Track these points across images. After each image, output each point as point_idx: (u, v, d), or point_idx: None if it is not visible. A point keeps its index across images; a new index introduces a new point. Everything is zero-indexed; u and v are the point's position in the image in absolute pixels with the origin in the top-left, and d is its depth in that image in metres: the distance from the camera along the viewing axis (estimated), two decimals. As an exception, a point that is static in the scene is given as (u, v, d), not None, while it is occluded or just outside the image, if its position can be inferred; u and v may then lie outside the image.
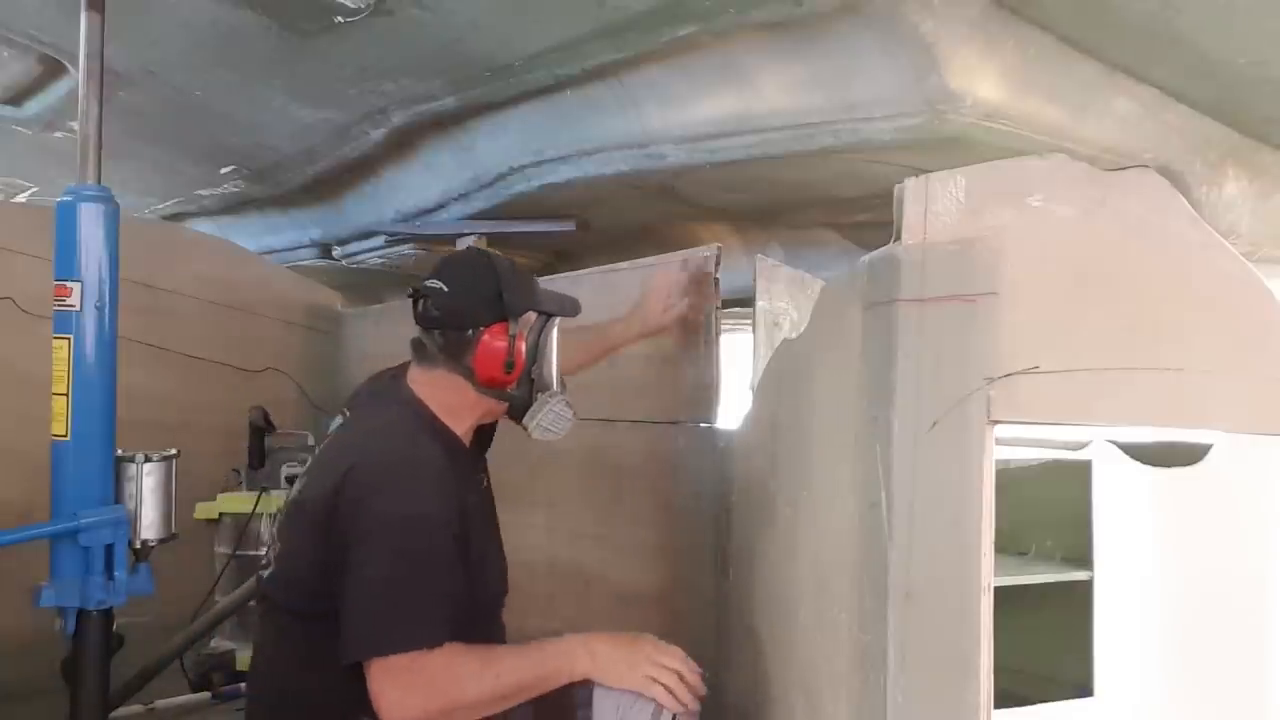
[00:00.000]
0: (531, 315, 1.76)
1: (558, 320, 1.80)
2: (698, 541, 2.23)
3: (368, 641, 1.50)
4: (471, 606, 1.65)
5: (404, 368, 1.81)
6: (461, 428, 1.77)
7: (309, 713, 1.64)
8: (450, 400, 1.74)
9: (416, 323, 1.77)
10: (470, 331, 1.71)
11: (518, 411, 1.77)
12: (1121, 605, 2.15)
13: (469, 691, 1.51)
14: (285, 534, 1.71)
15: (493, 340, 1.71)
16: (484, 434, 1.91)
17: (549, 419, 1.75)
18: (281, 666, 1.69)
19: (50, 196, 2.95)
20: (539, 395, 1.76)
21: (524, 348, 1.74)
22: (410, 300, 1.78)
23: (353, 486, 1.57)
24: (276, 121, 2.90)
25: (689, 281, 2.20)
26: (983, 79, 1.82)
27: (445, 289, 1.73)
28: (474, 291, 1.73)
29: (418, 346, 1.77)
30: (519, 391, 1.75)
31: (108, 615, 1.85)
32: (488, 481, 1.89)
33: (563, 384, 1.81)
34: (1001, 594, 1.33)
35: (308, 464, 1.78)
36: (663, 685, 1.58)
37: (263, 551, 1.78)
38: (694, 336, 2.20)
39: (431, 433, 1.71)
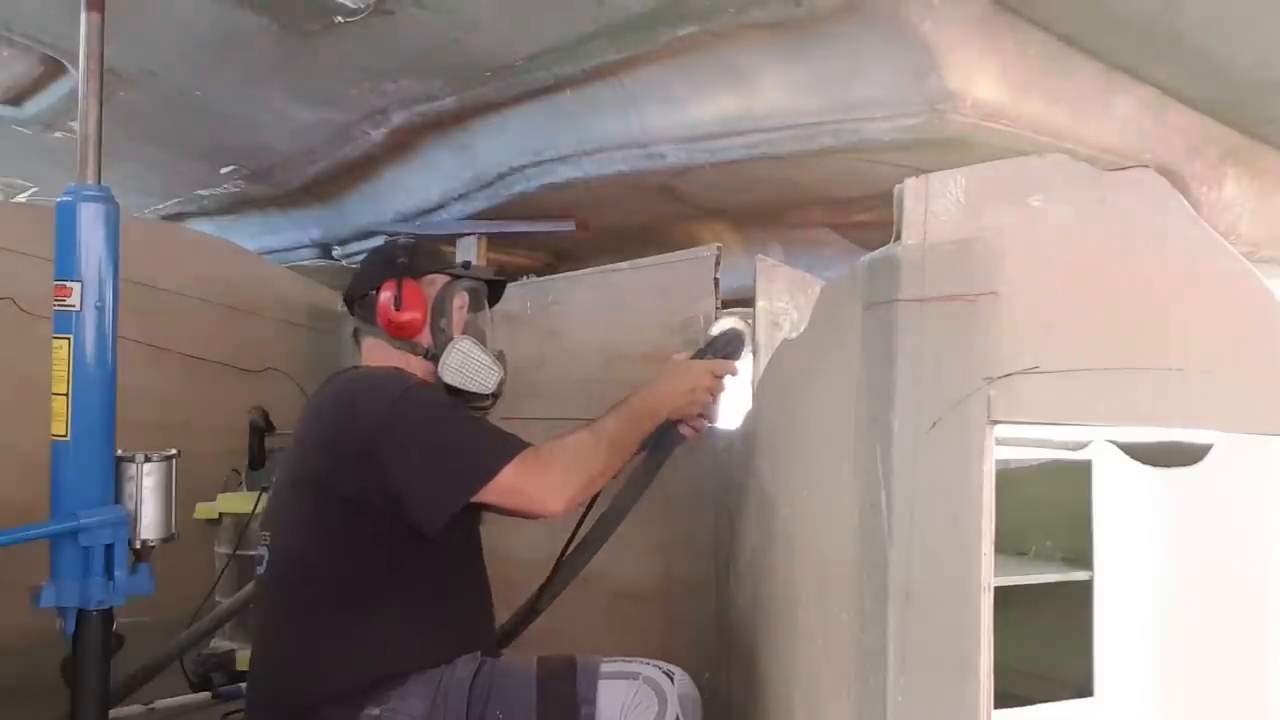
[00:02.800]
0: (438, 279, 1.92)
1: (472, 287, 1.95)
2: (698, 541, 2.23)
3: (488, 461, 1.63)
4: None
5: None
6: None
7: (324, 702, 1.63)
8: (385, 362, 1.89)
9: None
10: (371, 294, 1.89)
11: (433, 361, 1.89)
12: (1121, 605, 2.15)
13: (600, 454, 1.71)
14: (281, 512, 1.79)
15: (384, 293, 1.86)
16: None
17: (455, 359, 1.86)
18: (300, 654, 1.69)
19: (50, 196, 2.95)
20: (447, 345, 1.89)
21: (426, 300, 1.88)
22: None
23: (363, 391, 1.72)
24: (276, 121, 2.90)
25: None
26: (982, 79, 1.83)
27: (357, 273, 1.98)
28: (372, 264, 1.96)
29: (354, 333, 1.97)
30: (431, 344, 1.89)
31: (108, 615, 1.85)
32: None
33: (496, 353, 1.92)
34: (1001, 594, 1.33)
35: (286, 452, 1.91)
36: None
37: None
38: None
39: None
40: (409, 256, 1.92)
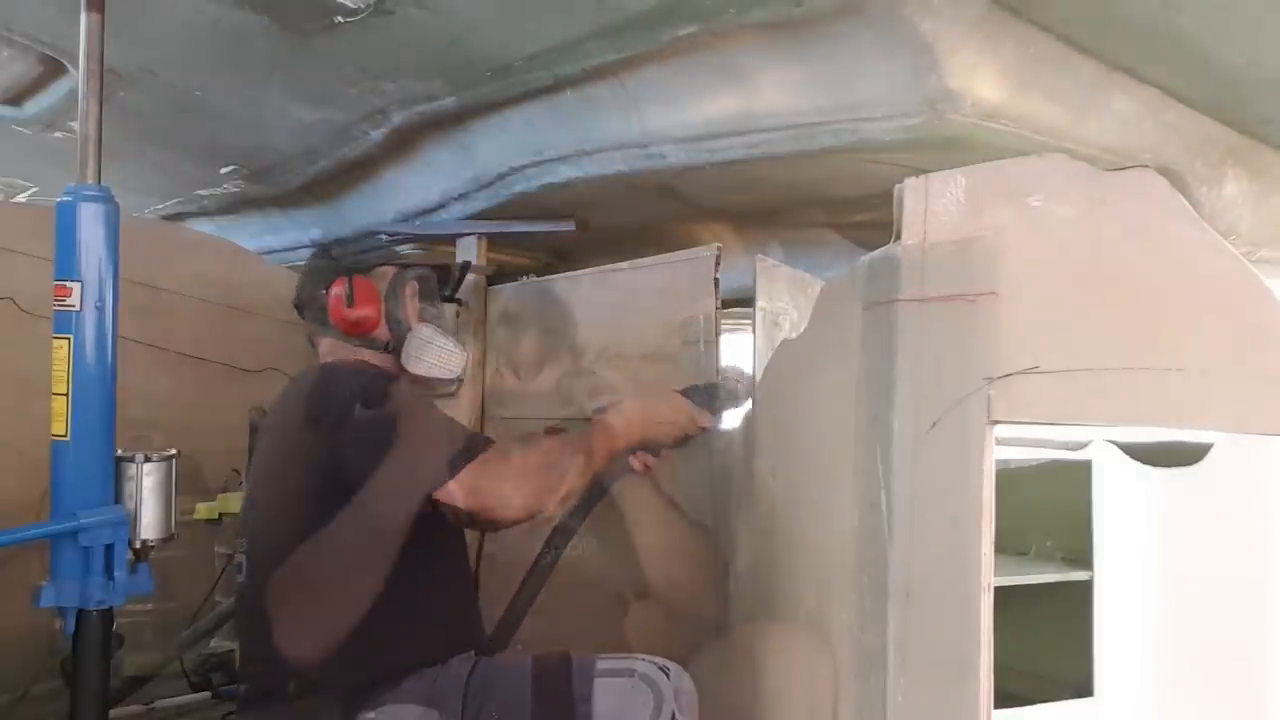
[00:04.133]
0: (387, 270, 1.92)
1: (422, 274, 1.95)
2: (698, 542, 2.22)
3: (451, 458, 1.57)
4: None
5: None
6: None
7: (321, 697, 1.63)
8: (345, 359, 1.87)
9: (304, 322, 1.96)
10: (321, 294, 1.90)
11: (393, 354, 1.88)
12: (1121, 605, 2.15)
13: (564, 464, 1.66)
14: (257, 515, 1.80)
15: (334, 291, 1.87)
16: None
17: (415, 347, 1.86)
18: (286, 657, 1.68)
19: (50, 196, 2.95)
20: (407, 335, 1.87)
21: (378, 294, 1.88)
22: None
23: (325, 388, 1.69)
24: (276, 121, 2.90)
25: None
26: (982, 79, 1.82)
27: (302, 276, 1.97)
28: (316, 265, 1.97)
29: (308, 338, 1.95)
30: (389, 337, 1.88)
31: (108, 615, 1.85)
32: None
33: (454, 339, 1.91)
34: (1001, 594, 1.33)
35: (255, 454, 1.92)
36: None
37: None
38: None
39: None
40: (353, 252, 1.95)
